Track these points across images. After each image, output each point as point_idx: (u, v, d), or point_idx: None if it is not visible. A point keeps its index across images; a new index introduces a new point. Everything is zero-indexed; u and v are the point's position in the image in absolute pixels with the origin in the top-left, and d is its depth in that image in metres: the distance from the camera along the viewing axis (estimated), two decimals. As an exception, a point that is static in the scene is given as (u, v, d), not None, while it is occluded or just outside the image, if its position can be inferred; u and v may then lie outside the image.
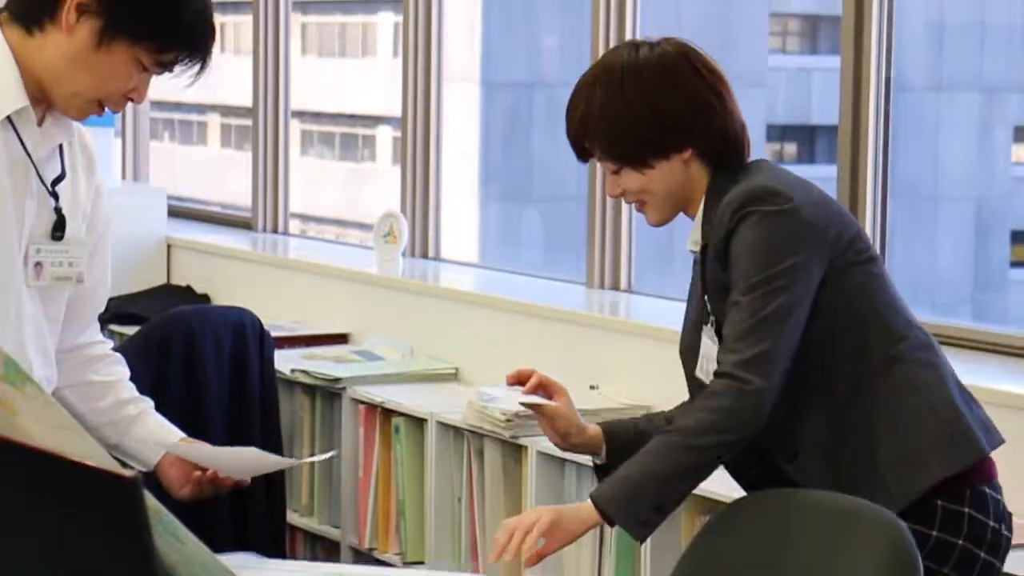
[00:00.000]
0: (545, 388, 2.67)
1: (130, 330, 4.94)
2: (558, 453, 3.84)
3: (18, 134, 2.45)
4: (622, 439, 2.64)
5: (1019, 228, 15.98)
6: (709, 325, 2.56)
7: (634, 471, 2.43)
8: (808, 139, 12.22)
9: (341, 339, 5.00)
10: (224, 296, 5.47)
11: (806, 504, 2.47)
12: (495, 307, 4.53)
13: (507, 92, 15.23)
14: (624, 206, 4.55)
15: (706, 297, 2.57)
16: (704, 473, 2.49)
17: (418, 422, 4.27)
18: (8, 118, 2.44)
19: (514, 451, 3.97)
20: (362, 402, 4.42)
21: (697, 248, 2.60)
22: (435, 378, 4.57)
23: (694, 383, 2.62)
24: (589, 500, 2.44)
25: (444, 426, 4.16)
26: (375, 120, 14.91)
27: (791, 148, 12.36)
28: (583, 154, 2.62)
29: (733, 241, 2.47)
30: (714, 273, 2.53)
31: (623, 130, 2.54)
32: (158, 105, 7.45)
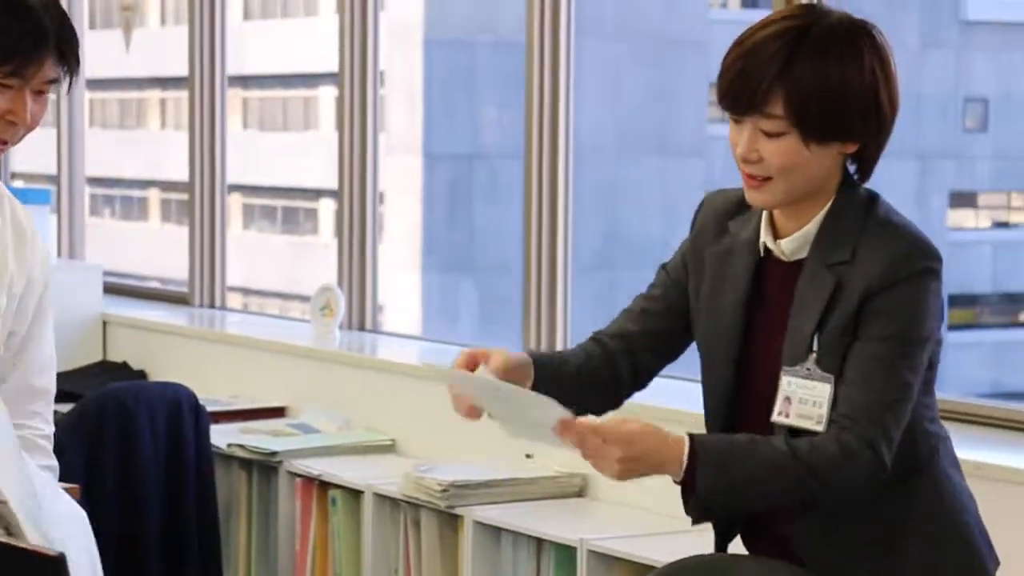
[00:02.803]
0: (475, 359, 2.46)
1: (65, 407, 4.92)
2: (494, 522, 3.86)
3: None
4: (547, 368, 2.50)
5: (955, 292, 16.15)
6: (809, 363, 2.36)
7: (741, 477, 2.30)
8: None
9: (278, 413, 4.99)
10: (160, 372, 5.46)
11: None
12: (430, 378, 4.54)
13: (449, 163, 15.32)
14: (559, 271, 4.59)
15: (816, 336, 2.36)
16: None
17: (355, 494, 4.27)
18: None
19: (450, 521, 3.98)
20: (298, 475, 4.42)
21: (787, 257, 2.41)
22: (372, 450, 4.57)
23: (722, 392, 2.45)
24: (686, 448, 2.29)
25: (381, 497, 4.16)
26: (317, 193, 14.97)
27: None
28: (755, 105, 2.34)
29: (892, 293, 2.31)
30: (843, 315, 2.34)
31: (830, 91, 2.31)
32: (97, 181, 7.46)
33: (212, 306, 5.95)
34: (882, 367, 2.30)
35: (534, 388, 2.45)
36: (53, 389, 2.67)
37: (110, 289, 6.05)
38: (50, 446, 2.67)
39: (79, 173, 6.70)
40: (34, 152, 7.93)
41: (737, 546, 2.57)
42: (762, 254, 2.45)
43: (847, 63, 2.32)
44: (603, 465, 2.33)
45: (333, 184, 5.36)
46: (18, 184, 7.27)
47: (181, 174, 6.12)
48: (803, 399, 2.36)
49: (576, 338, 4.63)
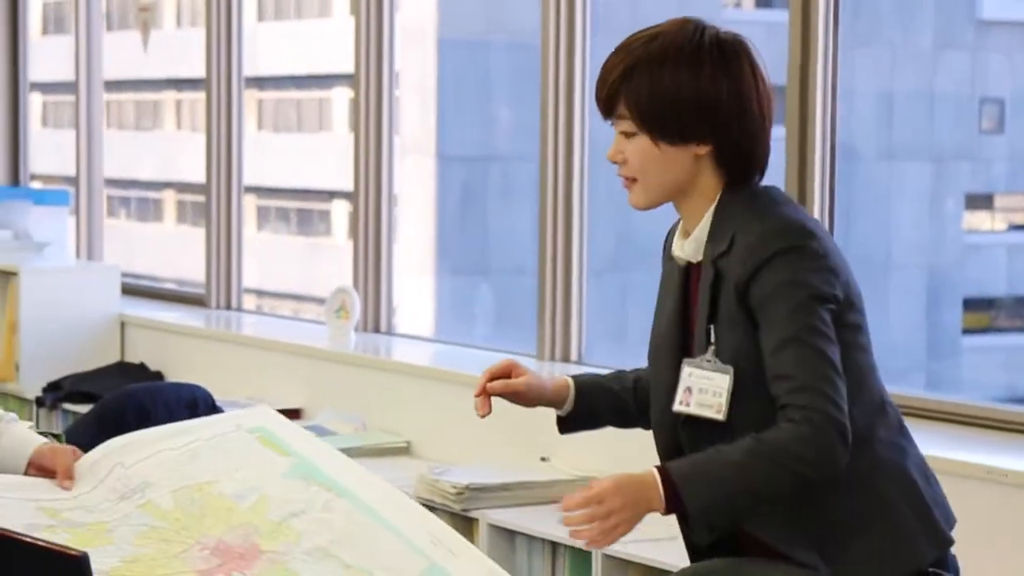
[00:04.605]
0: (503, 375, 2.78)
1: (84, 408, 4.94)
2: (509, 525, 3.87)
3: None
4: (590, 396, 2.73)
5: (971, 295, 16.11)
6: (708, 355, 2.49)
7: (725, 485, 2.38)
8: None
9: (294, 414, 5.01)
10: (177, 373, 5.48)
11: None
12: (445, 380, 4.56)
13: (462, 165, 15.33)
14: (575, 273, 4.60)
15: (711, 327, 2.50)
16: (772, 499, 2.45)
17: (371, 496, 4.28)
18: None
19: (465, 524, 3.99)
20: (315, 477, 4.43)
21: (686, 261, 2.56)
22: (387, 452, 4.59)
23: (666, 400, 2.55)
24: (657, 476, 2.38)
25: (396, 500, 4.16)
26: (331, 195, 14.97)
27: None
28: (609, 109, 2.56)
29: (761, 279, 2.44)
30: (728, 305, 2.47)
31: (662, 95, 2.50)
32: (113, 183, 7.48)
33: (228, 308, 5.97)
34: (791, 348, 2.39)
35: (578, 401, 2.74)
36: None
37: (127, 290, 6.08)
38: None
39: (97, 174, 6.73)
40: (53, 154, 7.96)
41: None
42: (681, 264, 2.58)
43: (681, 70, 2.49)
44: (610, 528, 2.39)
45: (346, 186, 5.38)
46: (36, 186, 7.29)
47: (196, 175, 6.15)
48: (702, 388, 2.48)
49: (591, 340, 4.65)
